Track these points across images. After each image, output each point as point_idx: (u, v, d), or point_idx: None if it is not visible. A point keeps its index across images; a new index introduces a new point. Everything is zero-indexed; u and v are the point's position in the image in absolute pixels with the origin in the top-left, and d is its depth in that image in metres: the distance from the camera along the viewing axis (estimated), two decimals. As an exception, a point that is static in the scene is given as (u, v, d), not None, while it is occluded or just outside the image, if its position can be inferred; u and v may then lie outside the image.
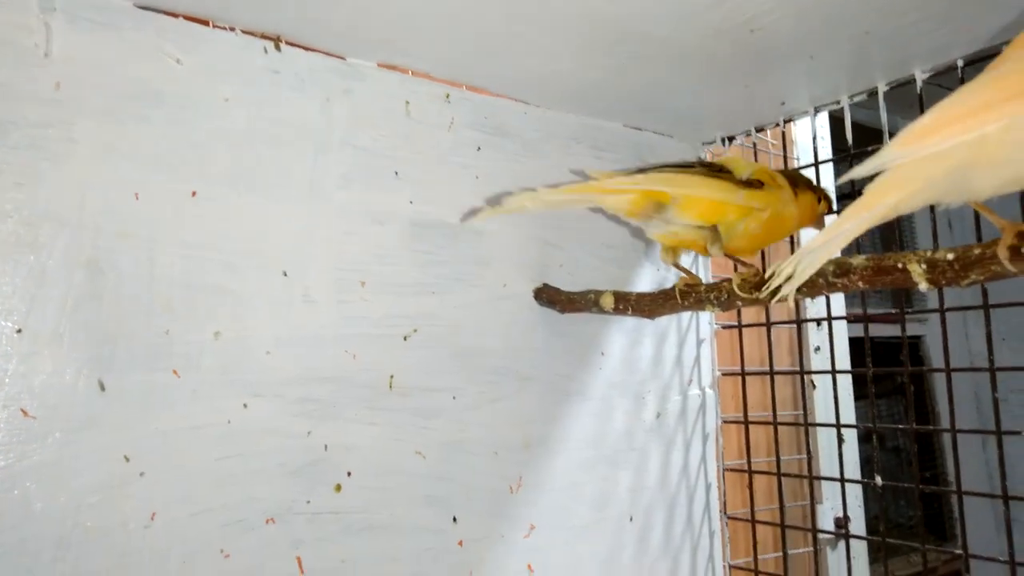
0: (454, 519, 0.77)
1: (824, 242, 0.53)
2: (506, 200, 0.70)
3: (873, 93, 0.87)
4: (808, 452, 0.96)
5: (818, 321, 1.11)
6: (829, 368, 0.92)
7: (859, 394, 1.29)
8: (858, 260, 0.56)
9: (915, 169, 0.48)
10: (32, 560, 0.55)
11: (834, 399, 0.93)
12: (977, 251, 0.50)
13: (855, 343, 1.17)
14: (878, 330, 1.64)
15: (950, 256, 0.51)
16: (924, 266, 0.52)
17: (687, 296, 0.72)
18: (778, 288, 0.56)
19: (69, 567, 0.56)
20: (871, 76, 0.84)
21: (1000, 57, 0.50)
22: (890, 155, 0.48)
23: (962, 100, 0.46)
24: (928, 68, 0.81)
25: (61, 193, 0.58)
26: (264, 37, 0.71)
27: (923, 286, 0.53)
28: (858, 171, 0.52)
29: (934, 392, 1.96)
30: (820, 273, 0.58)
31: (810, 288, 0.59)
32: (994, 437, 0.78)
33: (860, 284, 0.56)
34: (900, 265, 0.53)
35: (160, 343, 0.62)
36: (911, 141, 0.48)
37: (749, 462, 1.01)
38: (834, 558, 1.19)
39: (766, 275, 0.60)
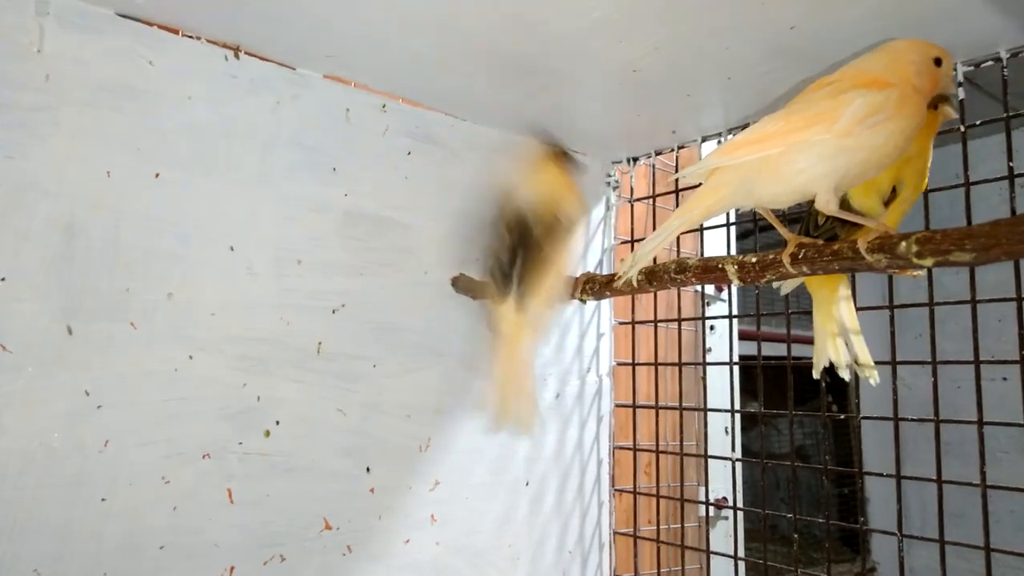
0: (368, 469, 0.90)
1: (655, 236, 0.68)
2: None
3: (746, 127, 1.03)
4: (682, 435, 1.12)
5: (694, 319, 1.26)
6: (716, 366, 1.08)
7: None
8: (692, 260, 0.71)
9: (720, 178, 0.64)
10: (2, 470, 0.65)
11: (703, 389, 1.09)
12: (771, 257, 0.65)
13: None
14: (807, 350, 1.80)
15: (753, 259, 0.66)
16: (735, 267, 0.67)
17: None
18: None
19: (33, 478, 0.67)
20: (744, 113, 1.00)
21: (796, 97, 0.65)
22: (709, 161, 0.65)
23: (760, 128, 0.62)
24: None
25: (45, 167, 0.70)
26: (225, 46, 0.83)
27: (736, 282, 0.68)
28: (687, 172, 0.68)
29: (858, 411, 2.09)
30: (665, 270, 0.73)
31: (659, 282, 0.74)
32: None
33: (694, 280, 0.71)
34: (720, 265, 0.69)
35: (121, 299, 0.73)
36: (723, 153, 0.64)
37: (635, 442, 1.16)
38: (713, 534, 1.35)
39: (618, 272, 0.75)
